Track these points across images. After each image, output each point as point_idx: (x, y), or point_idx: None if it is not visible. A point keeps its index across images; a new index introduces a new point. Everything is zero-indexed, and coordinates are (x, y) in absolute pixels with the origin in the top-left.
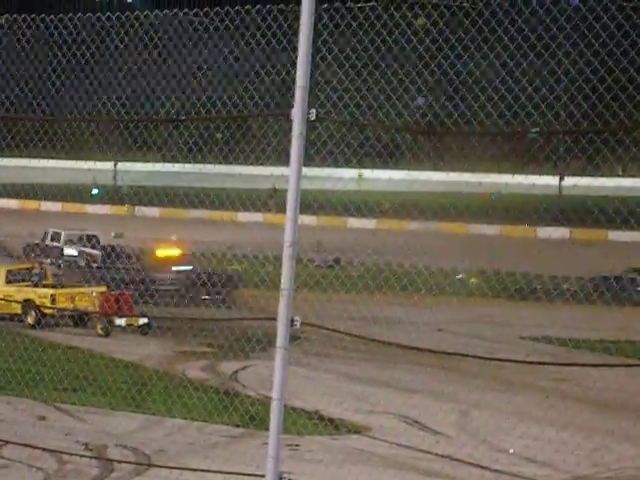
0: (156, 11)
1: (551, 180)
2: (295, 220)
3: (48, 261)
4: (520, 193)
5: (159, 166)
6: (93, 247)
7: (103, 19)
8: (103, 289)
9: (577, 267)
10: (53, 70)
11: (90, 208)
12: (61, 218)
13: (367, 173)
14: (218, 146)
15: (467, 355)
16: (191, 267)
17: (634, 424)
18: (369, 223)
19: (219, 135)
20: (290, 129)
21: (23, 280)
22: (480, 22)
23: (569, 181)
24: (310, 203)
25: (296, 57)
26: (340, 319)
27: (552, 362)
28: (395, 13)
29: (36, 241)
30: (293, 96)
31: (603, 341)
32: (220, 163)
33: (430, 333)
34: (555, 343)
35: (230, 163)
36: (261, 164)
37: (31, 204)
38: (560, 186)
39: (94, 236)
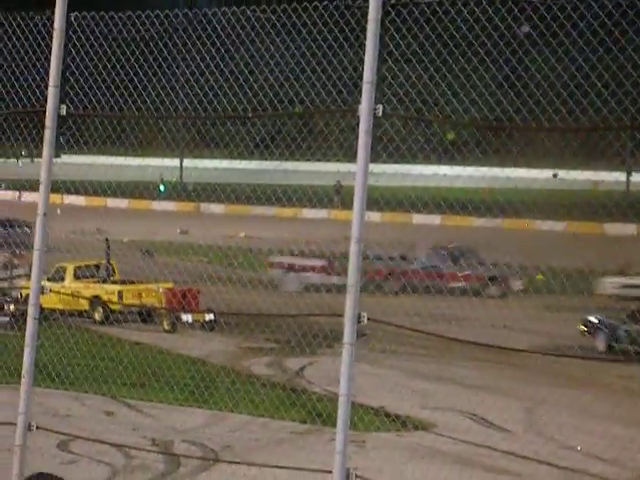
0: (224, 8)
1: (619, 176)
2: (362, 216)
3: None
4: (586, 189)
5: (225, 163)
6: None
7: (171, 16)
8: (170, 285)
9: None
10: (122, 67)
11: (156, 205)
12: (128, 215)
13: (432, 169)
14: (284, 142)
15: (533, 352)
16: None
17: None
18: (435, 219)
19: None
20: (357, 125)
21: (91, 276)
22: (548, 17)
23: (637, 177)
24: (377, 199)
25: (363, 53)
26: (407, 315)
27: (618, 359)
28: (463, 9)
29: None
30: (360, 92)
31: None
32: (286, 160)
33: (496, 329)
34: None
35: (296, 160)
36: (327, 160)
37: (98, 201)
38: (628, 181)
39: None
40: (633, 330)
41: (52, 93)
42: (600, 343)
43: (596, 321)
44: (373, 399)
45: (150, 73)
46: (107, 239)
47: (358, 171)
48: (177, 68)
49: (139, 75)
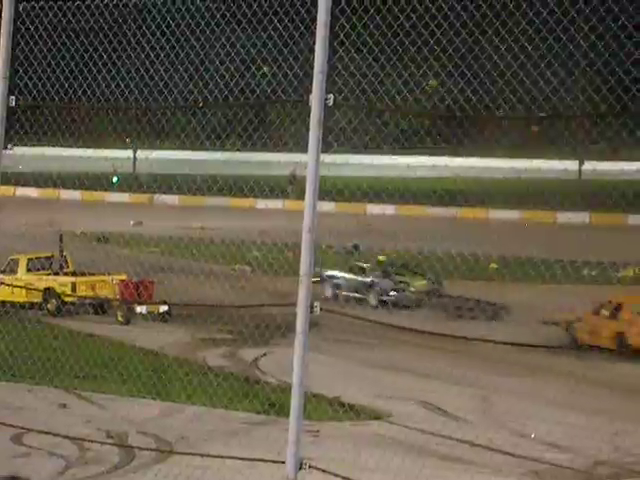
0: None
1: (570, 165)
2: (314, 206)
3: None
4: (539, 178)
5: (178, 154)
6: None
7: (120, 6)
8: (123, 277)
9: (598, 252)
10: (72, 58)
11: (109, 196)
12: (81, 206)
13: (383, 159)
14: (236, 133)
15: (487, 340)
16: None
17: None
18: (388, 209)
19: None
20: (308, 115)
21: (44, 268)
22: (498, 5)
23: (588, 165)
24: (328, 189)
25: (314, 43)
26: (360, 305)
27: (572, 346)
28: None
29: None
30: (312, 82)
31: None
32: (238, 150)
33: (452, 318)
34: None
35: (248, 150)
36: (279, 151)
37: (51, 193)
38: (580, 170)
39: None
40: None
41: (1, 84)
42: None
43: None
44: (327, 389)
45: (100, 64)
46: (60, 231)
47: (309, 161)
48: (128, 58)
49: (89, 66)
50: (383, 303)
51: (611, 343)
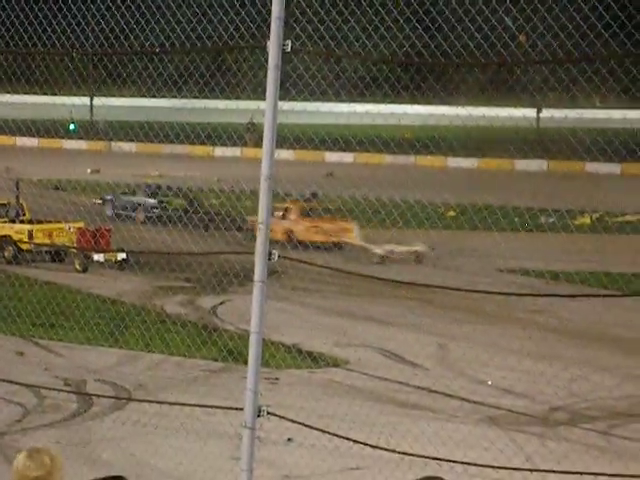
0: None
1: (528, 112)
2: (272, 154)
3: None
4: (497, 125)
5: (135, 101)
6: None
7: None
8: (80, 224)
9: (555, 199)
10: (27, 3)
11: (67, 143)
12: (38, 154)
13: (342, 106)
14: (194, 79)
15: (443, 287)
16: None
17: (610, 354)
18: (347, 157)
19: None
20: (266, 61)
21: (0, 216)
22: None
23: (546, 112)
24: (287, 136)
25: None
26: (317, 250)
27: (529, 293)
28: None
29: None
30: (269, 28)
31: (580, 272)
32: (196, 97)
33: (409, 265)
34: (532, 275)
35: (206, 97)
36: (238, 98)
37: (6, 140)
38: (538, 118)
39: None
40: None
41: None
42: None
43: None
44: (286, 336)
45: (55, 9)
46: (16, 178)
47: (267, 108)
48: (84, 4)
49: (45, 11)
50: (149, 219)
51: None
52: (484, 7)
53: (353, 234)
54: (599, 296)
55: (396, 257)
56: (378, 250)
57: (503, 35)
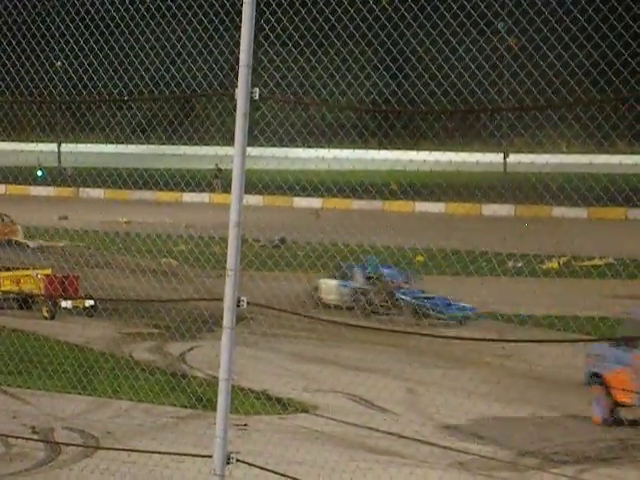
0: None
1: (495, 157)
2: (240, 200)
3: None
4: (465, 171)
5: (103, 147)
6: None
7: None
8: (48, 271)
9: (522, 244)
10: None
11: (34, 190)
12: (5, 200)
13: (310, 152)
14: (162, 126)
15: (411, 332)
16: None
17: (579, 399)
18: (315, 202)
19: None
20: (234, 108)
21: None
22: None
23: (513, 158)
24: (255, 183)
25: (239, 36)
26: (287, 298)
27: (497, 338)
28: None
29: None
30: (237, 76)
31: (548, 317)
32: (164, 143)
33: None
34: (500, 319)
35: (174, 143)
36: (206, 144)
37: None
38: (505, 163)
39: None
40: None
41: None
42: None
43: None
44: (255, 382)
45: (23, 57)
46: None
47: (235, 154)
48: (51, 52)
49: (12, 58)
50: None
51: None
52: (450, 54)
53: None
54: (567, 341)
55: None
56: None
57: (469, 82)
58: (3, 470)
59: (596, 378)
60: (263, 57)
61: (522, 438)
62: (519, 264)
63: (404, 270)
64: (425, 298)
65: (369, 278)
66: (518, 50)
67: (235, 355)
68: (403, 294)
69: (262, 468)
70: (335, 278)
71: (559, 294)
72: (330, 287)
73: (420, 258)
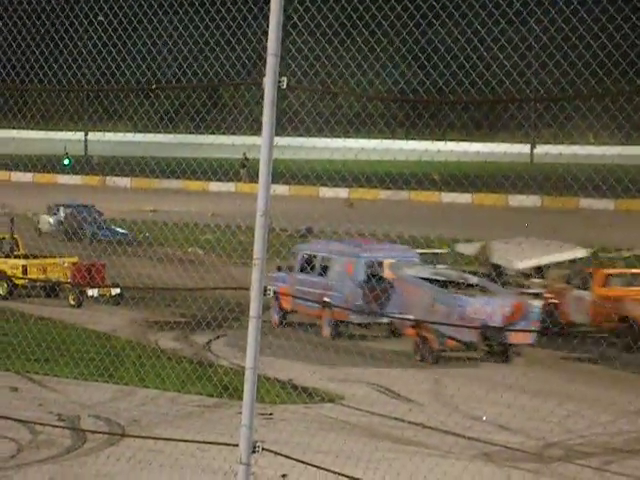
0: None
1: (522, 148)
2: (268, 189)
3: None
4: (492, 161)
5: (130, 136)
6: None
7: None
8: (75, 259)
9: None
10: (23, 39)
11: (61, 178)
12: (33, 189)
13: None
14: (189, 116)
15: (436, 323)
16: None
17: (606, 390)
18: (342, 192)
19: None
20: (262, 98)
21: None
22: None
23: (540, 149)
24: (282, 172)
25: (268, 25)
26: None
27: (525, 329)
28: None
29: None
30: (265, 65)
31: None
32: (191, 133)
33: None
34: None
35: (201, 133)
36: (233, 134)
37: (2, 175)
38: (532, 154)
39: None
40: None
41: None
42: None
43: None
44: (280, 372)
45: (52, 46)
46: (11, 214)
47: (263, 144)
48: (80, 40)
49: (41, 48)
50: None
51: None
52: (479, 44)
53: None
54: (595, 334)
55: None
56: None
57: (498, 72)
58: (30, 457)
59: (274, 294)
60: (291, 46)
61: (548, 429)
62: None
63: None
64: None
65: None
66: (547, 40)
67: (260, 344)
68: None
69: (288, 457)
70: None
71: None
72: None
73: (445, 248)
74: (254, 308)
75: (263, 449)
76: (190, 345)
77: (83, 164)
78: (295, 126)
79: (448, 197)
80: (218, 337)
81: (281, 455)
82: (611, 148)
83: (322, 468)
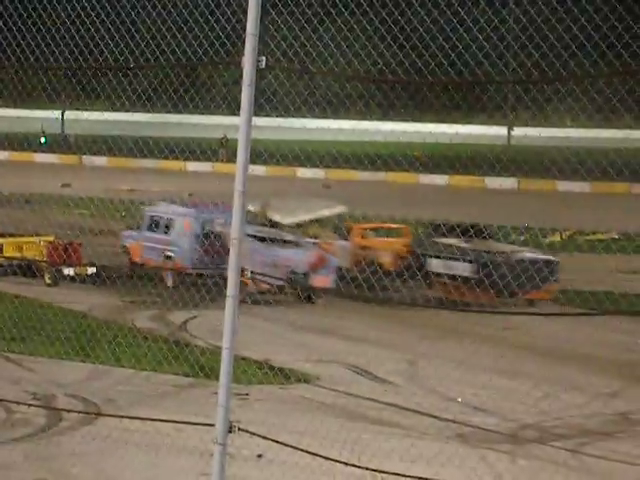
0: None
1: (500, 130)
2: (246, 169)
3: None
4: (469, 143)
5: (107, 115)
6: None
7: None
8: (51, 238)
9: (526, 217)
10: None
11: (38, 157)
12: (8, 167)
13: (316, 122)
14: (167, 94)
15: (414, 305)
16: None
17: (581, 373)
18: (319, 172)
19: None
20: (241, 77)
21: None
22: None
23: (518, 131)
24: (260, 152)
25: (247, 4)
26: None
27: (500, 311)
28: None
29: None
30: (244, 44)
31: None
32: (169, 112)
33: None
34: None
35: (179, 112)
36: (211, 113)
37: None
38: (509, 136)
39: None
40: None
41: None
42: None
43: None
44: (256, 352)
45: (29, 23)
46: None
47: (241, 124)
48: (57, 18)
49: (18, 25)
50: None
51: None
52: (459, 25)
53: None
54: (570, 314)
55: None
56: None
57: (477, 53)
58: (6, 436)
59: (124, 248)
60: (270, 25)
61: (523, 411)
62: (522, 237)
63: None
64: None
65: None
66: (526, 22)
67: (238, 324)
68: None
69: (264, 437)
70: None
71: (563, 268)
72: None
73: (421, 230)
74: (231, 287)
75: (239, 429)
76: (166, 325)
77: (60, 142)
78: (273, 106)
79: (425, 179)
80: (195, 317)
81: (257, 435)
82: (589, 131)
83: (298, 448)
